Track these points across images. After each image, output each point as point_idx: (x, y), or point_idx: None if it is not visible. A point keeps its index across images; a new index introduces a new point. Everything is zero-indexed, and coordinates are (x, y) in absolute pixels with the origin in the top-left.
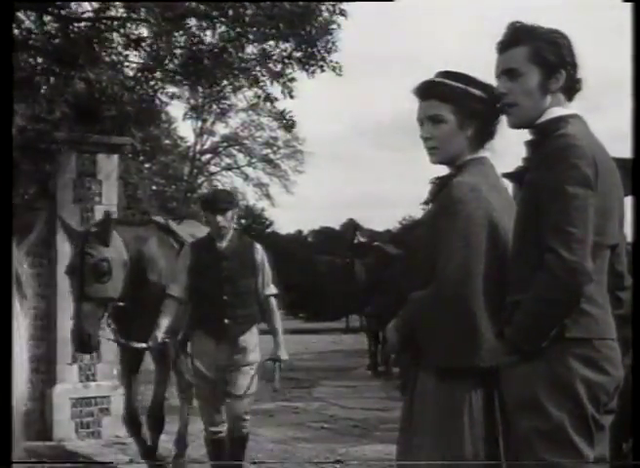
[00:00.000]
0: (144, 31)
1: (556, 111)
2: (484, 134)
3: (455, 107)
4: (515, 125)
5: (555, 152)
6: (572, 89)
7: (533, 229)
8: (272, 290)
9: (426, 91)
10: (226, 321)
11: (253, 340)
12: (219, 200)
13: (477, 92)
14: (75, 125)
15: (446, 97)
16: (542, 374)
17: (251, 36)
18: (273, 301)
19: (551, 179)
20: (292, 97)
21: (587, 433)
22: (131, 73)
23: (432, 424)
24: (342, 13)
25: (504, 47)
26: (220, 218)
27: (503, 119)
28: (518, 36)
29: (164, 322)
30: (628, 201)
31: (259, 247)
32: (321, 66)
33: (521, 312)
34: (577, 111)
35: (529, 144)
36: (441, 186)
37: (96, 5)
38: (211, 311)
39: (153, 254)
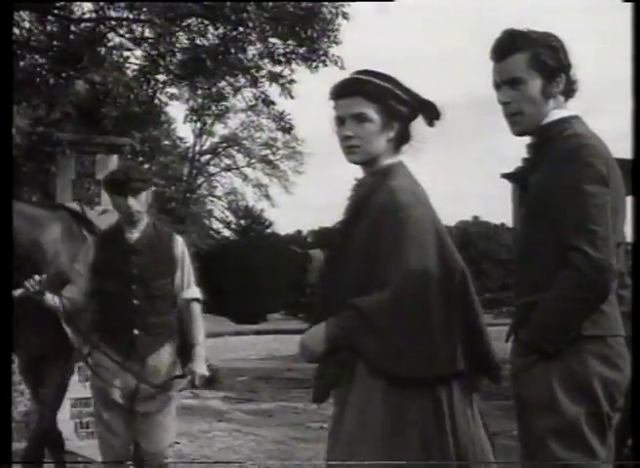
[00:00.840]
0: (146, 32)
1: (558, 113)
2: (403, 137)
3: (380, 107)
4: (520, 132)
5: (568, 152)
6: (570, 90)
7: (543, 229)
8: (194, 292)
9: (351, 88)
10: (136, 331)
11: (165, 361)
12: (130, 178)
13: (401, 93)
14: (74, 126)
15: (371, 96)
16: (559, 374)
17: (253, 36)
18: (196, 307)
19: (567, 179)
20: (292, 97)
21: (601, 431)
22: (131, 74)
23: (380, 434)
24: (345, 16)
25: (502, 55)
26: (132, 201)
27: (418, 122)
28: (516, 43)
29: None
30: (628, 201)
31: (179, 239)
32: (323, 61)
33: (541, 312)
34: (576, 112)
35: (531, 146)
36: (372, 189)
37: (97, 5)
38: (116, 319)
39: (52, 245)
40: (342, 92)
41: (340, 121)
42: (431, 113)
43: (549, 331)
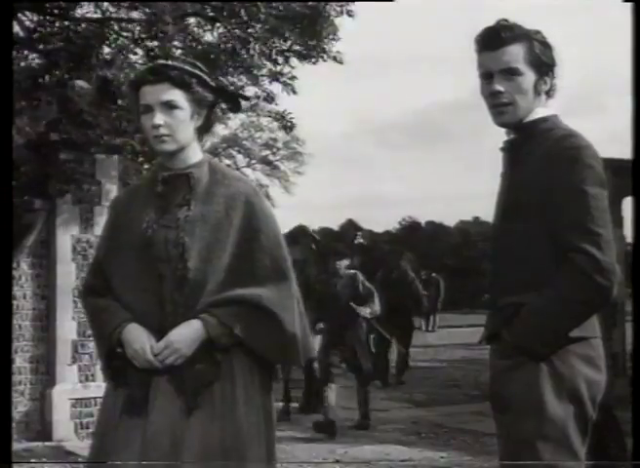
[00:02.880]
0: (146, 31)
1: (541, 111)
2: (207, 126)
3: (188, 94)
4: (506, 124)
5: (565, 152)
6: (552, 90)
7: (532, 229)
8: None
9: (159, 74)
10: None
11: None
12: None
13: (207, 80)
14: (74, 126)
15: (180, 83)
16: (548, 376)
17: (255, 34)
18: None
19: (566, 179)
20: (295, 92)
21: (584, 433)
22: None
23: (267, 430)
24: (350, 13)
25: (499, 44)
26: None
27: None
28: (513, 33)
29: None
30: (628, 201)
31: None
32: (322, 56)
33: (535, 314)
34: (555, 112)
35: (512, 143)
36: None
37: (99, 5)
38: None
39: None
40: (150, 78)
41: (148, 109)
42: (233, 101)
43: (545, 333)
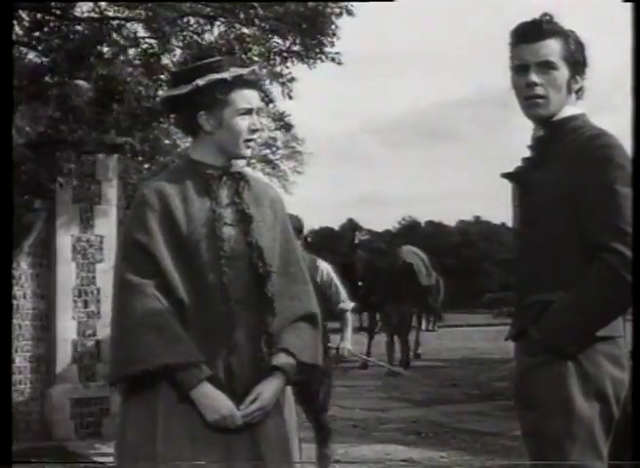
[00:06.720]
0: (147, 31)
1: (570, 109)
2: None
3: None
4: (537, 116)
5: (599, 151)
6: (581, 91)
7: (559, 228)
8: None
9: (256, 80)
10: None
11: None
12: None
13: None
14: (74, 126)
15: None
16: (574, 375)
17: (256, 34)
18: None
19: (599, 178)
20: (290, 97)
21: (608, 432)
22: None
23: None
24: (350, 12)
25: (538, 36)
26: None
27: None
28: (553, 28)
29: None
30: None
31: None
32: (320, 58)
33: (565, 311)
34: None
35: (540, 140)
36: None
37: (98, 5)
38: None
39: None
40: (248, 83)
41: (250, 112)
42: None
43: (574, 332)
